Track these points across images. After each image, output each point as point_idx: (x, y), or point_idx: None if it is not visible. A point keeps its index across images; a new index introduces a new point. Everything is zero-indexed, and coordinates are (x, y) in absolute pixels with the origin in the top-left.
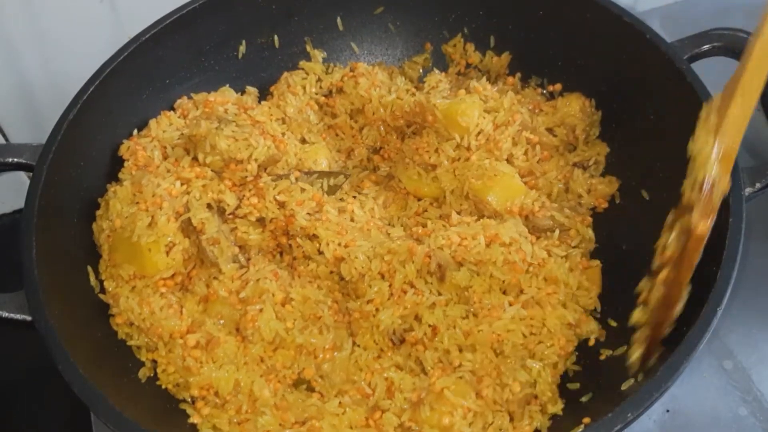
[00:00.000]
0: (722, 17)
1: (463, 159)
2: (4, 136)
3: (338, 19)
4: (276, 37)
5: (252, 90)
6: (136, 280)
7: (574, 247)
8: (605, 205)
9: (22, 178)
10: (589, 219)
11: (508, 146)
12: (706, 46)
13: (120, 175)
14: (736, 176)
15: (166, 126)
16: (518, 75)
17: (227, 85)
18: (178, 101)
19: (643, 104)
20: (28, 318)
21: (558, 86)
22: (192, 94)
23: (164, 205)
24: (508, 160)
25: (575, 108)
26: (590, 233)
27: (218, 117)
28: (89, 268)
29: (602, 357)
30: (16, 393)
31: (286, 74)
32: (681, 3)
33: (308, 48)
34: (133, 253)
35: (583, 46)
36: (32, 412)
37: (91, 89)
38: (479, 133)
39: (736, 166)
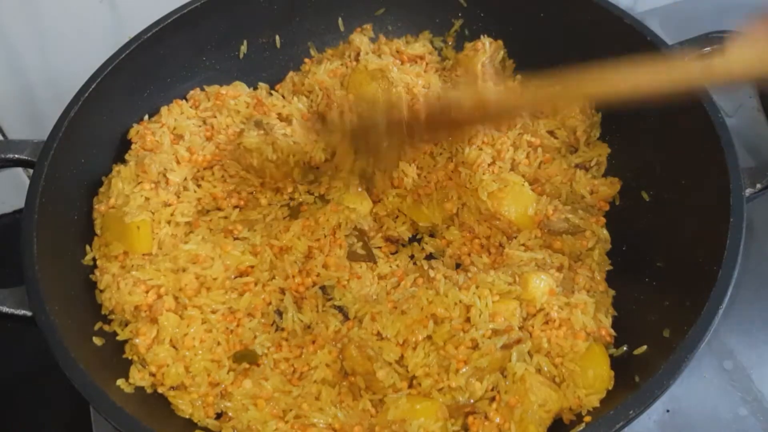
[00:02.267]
0: (722, 17)
1: (465, 168)
2: (3, 134)
3: (339, 20)
4: (277, 37)
5: (264, 86)
6: (124, 258)
7: (590, 249)
8: (606, 207)
9: (23, 178)
10: (603, 219)
11: (510, 154)
12: (706, 49)
13: (126, 157)
14: (736, 177)
15: (177, 114)
16: (518, 78)
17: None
18: (191, 92)
19: (644, 106)
20: (29, 313)
21: None
22: (204, 86)
23: (170, 181)
24: (512, 168)
25: (575, 110)
26: (605, 233)
27: (255, 120)
28: (87, 247)
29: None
30: (16, 392)
31: (291, 74)
32: (681, 3)
33: (312, 52)
34: (122, 231)
35: (584, 48)
36: (32, 411)
37: (92, 87)
38: (478, 135)
39: (736, 166)
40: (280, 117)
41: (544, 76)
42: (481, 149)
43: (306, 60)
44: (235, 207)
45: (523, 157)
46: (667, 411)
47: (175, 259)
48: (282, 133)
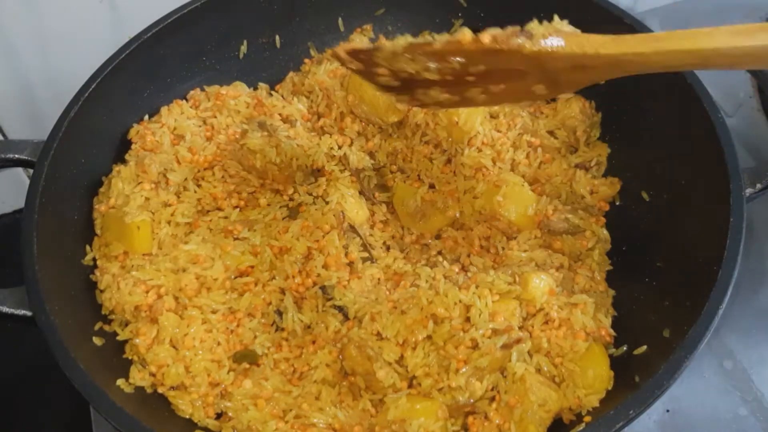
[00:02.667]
0: (721, 17)
1: (465, 170)
2: (3, 134)
3: (339, 20)
4: (277, 37)
5: (264, 86)
6: (124, 258)
7: (590, 249)
8: (606, 207)
9: (23, 178)
10: (603, 219)
11: (510, 155)
12: None
13: (126, 157)
14: (736, 176)
15: (177, 114)
16: None
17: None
18: (191, 92)
19: (644, 106)
20: (29, 313)
21: None
22: (204, 86)
23: (170, 181)
24: (512, 168)
25: (575, 110)
26: (605, 233)
27: (258, 121)
28: (87, 247)
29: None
30: (16, 392)
31: (291, 74)
32: (681, 3)
33: (312, 52)
34: (122, 231)
35: None
36: (32, 412)
37: (92, 87)
38: (477, 136)
39: (736, 166)
40: (282, 118)
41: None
42: (480, 150)
43: (306, 60)
44: (235, 207)
45: (523, 158)
46: (667, 411)
47: (175, 260)
48: (285, 135)
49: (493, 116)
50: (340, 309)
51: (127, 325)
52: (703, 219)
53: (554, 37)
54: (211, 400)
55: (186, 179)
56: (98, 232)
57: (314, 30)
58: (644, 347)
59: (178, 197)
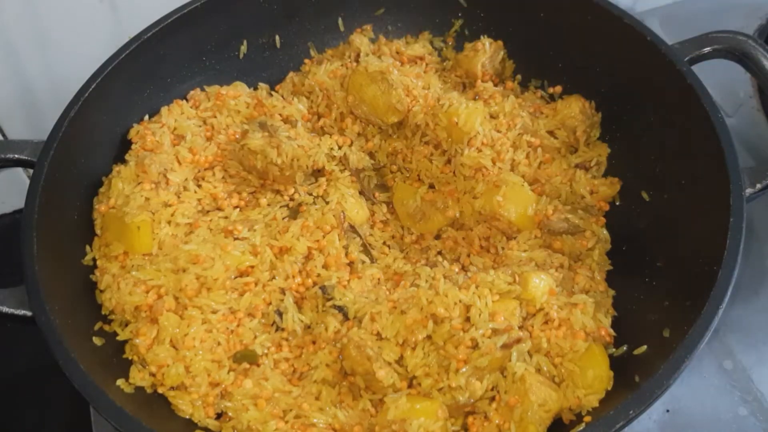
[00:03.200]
0: (721, 17)
1: (465, 171)
2: (3, 134)
3: (339, 20)
4: (277, 37)
5: (264, 86)
6: (124, 258)
7: (590, 249)
8: (606, 207)
9: (23, 178)
10: (603, 219)
11: (510, 155)
12: (706, 49)
13: (126, 157)
14: (736, 176)
15: (177, 114)
16: (518, 78)
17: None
18: (191, 92)
19: (644, 106)
20: (29, 313)
21: (558, 88)
22: (204, 86)
23: (170, 181)
24: (512, 168)
25: (575, 110)
26: (605, 233)
27: (259, 122)
28: (87, 247)
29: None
30: (16, 392)
31: (291, 74)
32: (680, 3)
33: (312, 53)
34: (122, 231)
35: (584, 48)
36: (32, 412)
37: (92, 86)
38: (477, 137)
39: (736, 166)
40: (282, 118)
41: None
42: (480, 150)
43: (306, 60)
44: (236, 207)
45: (523, 158)
46: (667, 411)
47: (175, 260)
48: (286, 135)
49: (493, 116)
50: (340, 309)
51: (127, 325)
52: (703, 219)
53: None
54: (211, 400)
55: (186, 179)
56: (98, 232)
57: (314, 30)
58: (644, 347)
59: (179, 197)
